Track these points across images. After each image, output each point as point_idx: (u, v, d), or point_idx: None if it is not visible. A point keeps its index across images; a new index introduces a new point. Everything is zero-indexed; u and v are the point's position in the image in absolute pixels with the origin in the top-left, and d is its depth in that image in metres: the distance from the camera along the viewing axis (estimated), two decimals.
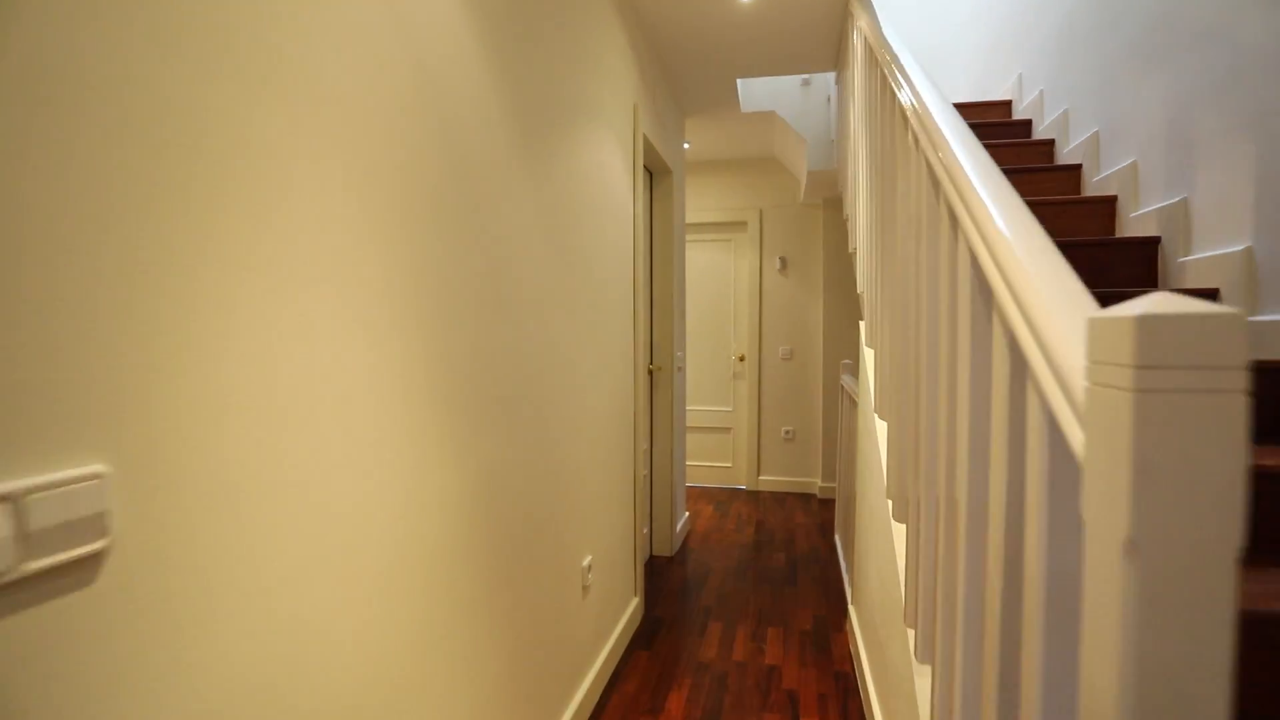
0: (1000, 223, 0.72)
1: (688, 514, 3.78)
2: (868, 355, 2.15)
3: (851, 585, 2.63)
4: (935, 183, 1.06)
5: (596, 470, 2.06)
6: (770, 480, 4.65)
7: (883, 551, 1.72)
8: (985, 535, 0.81)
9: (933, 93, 1.13)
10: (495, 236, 1.35)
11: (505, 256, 1.39)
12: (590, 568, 1.96)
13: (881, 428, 1.87)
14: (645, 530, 3.22)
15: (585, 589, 1.92)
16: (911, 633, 1.23)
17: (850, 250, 2.55)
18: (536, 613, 1.57)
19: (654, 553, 3.33)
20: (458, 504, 1.20)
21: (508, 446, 1.41)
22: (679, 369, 3.46)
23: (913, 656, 1.20)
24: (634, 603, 2.52)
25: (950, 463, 0.95)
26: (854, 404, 2.68)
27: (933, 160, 0.98)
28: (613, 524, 2.25)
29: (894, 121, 1.42)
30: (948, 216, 0.95)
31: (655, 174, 3.24)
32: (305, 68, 0.81)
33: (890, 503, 1.59)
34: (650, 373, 3.28)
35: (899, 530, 1.54)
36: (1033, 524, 0.58)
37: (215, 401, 0.69)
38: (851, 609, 2.47)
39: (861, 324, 2.34)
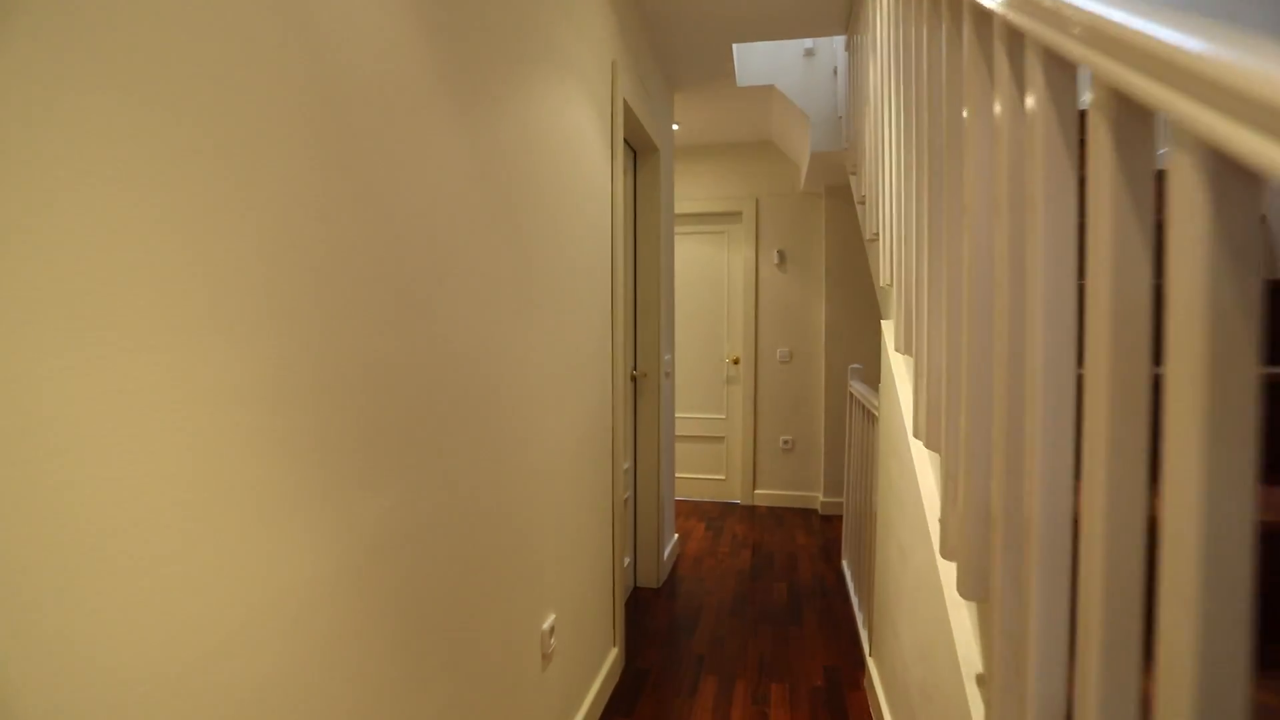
0: None
1: (676, 536, 3.39)
2: (896, 364, 1.76)
3: (869, 630, 2.25)
4: (1059, 101, 0.67)
5: (563, 503, 1.66)
6: (767, 494, 4.27)
7: (926, 617, 1.34)
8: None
9: None
10: (406, 207, 0.95)
11: (424, 234, 0.99)
12: (553, 630, 1.56)
13: (921, 455, 1.49)
14: (628, 561, 2.83)
15: (547, 658, 1.53)
16: None
17: (868, 237, 2.17)
18: (475, 705, 1.17)
19: (638, 584, 2.94)
20: (334, 589, 0.80)
21: (428, 493, 1.01)
22: (666, 374, 3.07)
23: None
24: (612, 655, 2.12)
25: (1118, 551, 0.57)
26: (870, 418, 2.30)
27: (1081, 56, 0.59)
28: (585, 566, 1.86)
29: (959, 54, 1.04)
30: (1109, 135, 0.56)
31: (639, 152, 2.85)
32: None
33: (948, 566, 1.21)
34: (633, 379, 2.88)
35: (957, 602, 1.16)
36: None
37: None
38: (871, 662, 2.09)
39: (885, 324, 1.95)
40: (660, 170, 2.87)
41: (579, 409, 1.79)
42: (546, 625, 1.52)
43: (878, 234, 1.98)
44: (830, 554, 3.37)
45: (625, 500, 2.78)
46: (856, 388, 2.65)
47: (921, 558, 1.40)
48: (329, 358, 0.79)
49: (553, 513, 1.58)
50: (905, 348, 1.51)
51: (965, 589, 1.01)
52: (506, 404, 1.31)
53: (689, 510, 4.18)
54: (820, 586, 2.94)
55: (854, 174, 2.63)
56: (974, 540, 0.98)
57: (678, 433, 4.42)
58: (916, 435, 1.37)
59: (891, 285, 1.71)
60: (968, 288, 0.96)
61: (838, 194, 4.03)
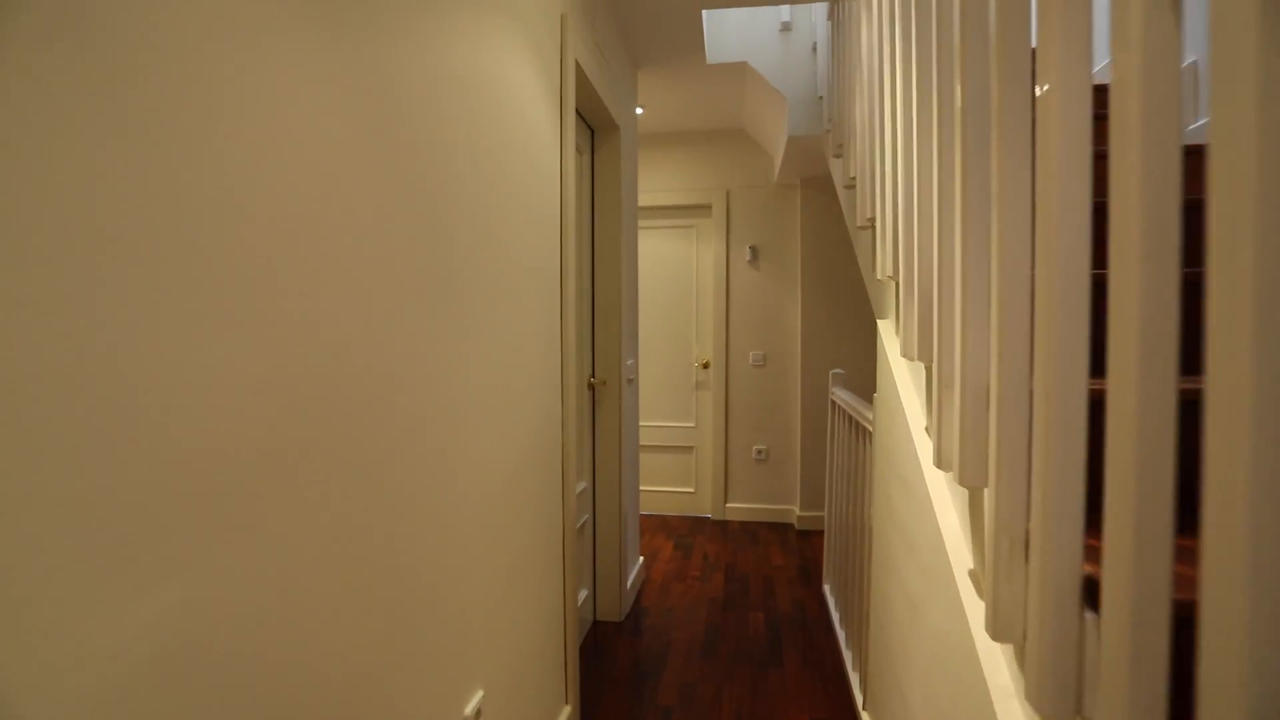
0: None
1: (641, 559, 3.07)
2: (901, 373, 1.48)
3: (860, 674, 1.97)
4: None
5: (497, 544, 1.34)
6: (740, 508, 3.98)
7: (954, 700, 1.05)
8: None
9: None
10: (242, 146, 0.62)
11: (264, 187, 0.66)
12: (480, 713, 1.23)
13: (940, 489, 1.20)
14: (584, 595, 2.50)
15: None
16: None
17: (859, 224, 1.88)
18: None
19: (597, 618, 2.62)
20: None
21: (257, 570, 0.68)
22: (629, 381, 2.75)
23: None
24: (564, 716, 1.80)
25: None
26: (861, 432, 2.02)
27: None
28: (528, 614, 1.53)
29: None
30: None
31: (597, 130, 2.53)
32: None
33: (992, 645, 0.91)
34: (591, 388, 2.56)
35: (1007, 692, 0.87)
36: None
37: None
38: (865, 717, 1.80)
39: (882, 325, 1.67)
40: (621, 151, 2.55)
41: (518, 427, 1.46)
42: (471, 708, 1.19)
43: (873, 219, 1.70)
44: (810, 576, 3.09)
45: (581, 526, 2.46)
46: (841, 396, 2.37)
47: (944, 621, 1.11)
48: (132, 373, 0.46)
49: (482, 560, 1.25)
50: (919, 354, 1.22)
51: (1042, 701, 0.71)
52: (410, 427, 0.98)
53: (656, 526, 3.86)
54: (801, 616, 2.65)
55: (838, 156, 2.36)
56: (1057, 633, 0.69)
57: (643, 442, 4.11)
58: (941, 466, 1.07)
59: (896, 278, 1.42)
60: (1047, 280, 0.66)
61: (815, 185, 3.77)
